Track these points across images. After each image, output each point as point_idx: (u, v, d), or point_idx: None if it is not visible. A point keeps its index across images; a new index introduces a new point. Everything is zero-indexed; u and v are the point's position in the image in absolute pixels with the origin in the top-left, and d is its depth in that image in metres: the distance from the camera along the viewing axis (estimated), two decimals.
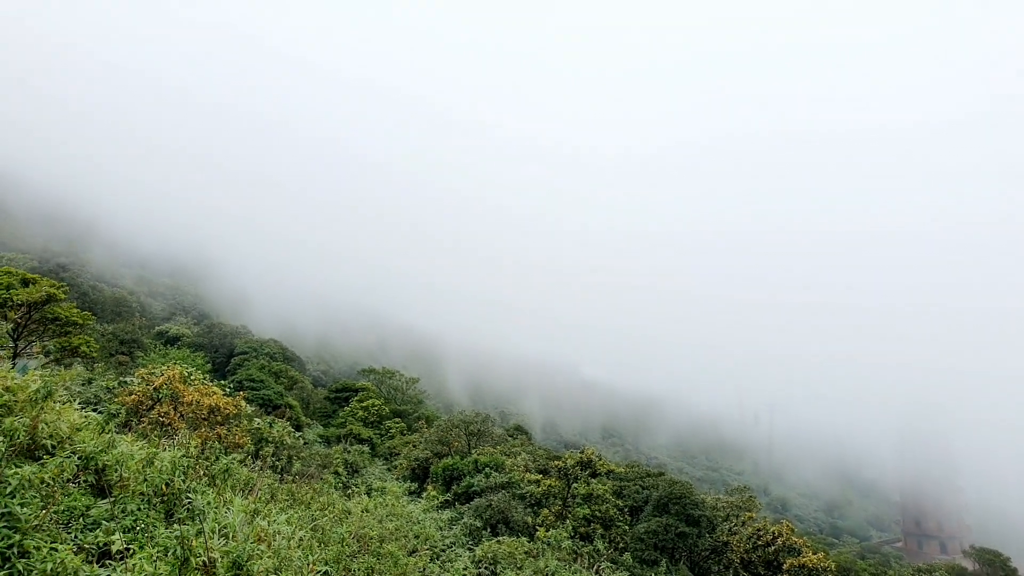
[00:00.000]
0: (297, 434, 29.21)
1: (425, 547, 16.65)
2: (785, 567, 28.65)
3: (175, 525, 8.86)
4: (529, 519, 25.20)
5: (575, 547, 22.56)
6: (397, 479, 28.60)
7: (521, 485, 27.76)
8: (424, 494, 22.89)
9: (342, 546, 11.50)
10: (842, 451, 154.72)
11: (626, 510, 30.83)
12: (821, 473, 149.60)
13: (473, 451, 33.74)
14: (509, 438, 48.97)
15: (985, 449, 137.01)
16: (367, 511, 16.22)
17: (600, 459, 30.86)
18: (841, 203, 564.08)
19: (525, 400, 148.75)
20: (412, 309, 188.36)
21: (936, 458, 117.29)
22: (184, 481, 10.57)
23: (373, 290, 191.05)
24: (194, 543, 8.08)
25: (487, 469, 29.28)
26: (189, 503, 10.10)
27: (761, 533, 30.98)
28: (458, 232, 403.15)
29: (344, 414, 55.15)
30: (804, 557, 28.77)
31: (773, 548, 30.06)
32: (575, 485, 27.99)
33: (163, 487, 10.16)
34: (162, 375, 20.15)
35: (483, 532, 23.09)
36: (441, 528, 19.44)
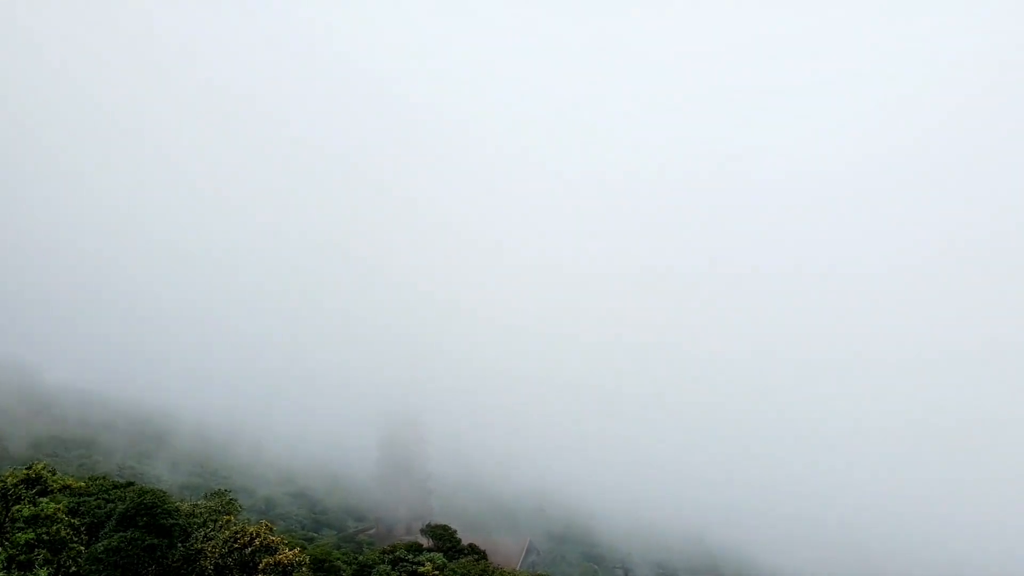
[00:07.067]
0: None
1: None
2: (261, 567, 28.90)
3: None
4: None
5: None
6: None
7: None
8: None
9: None
10: (330, 449, 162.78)
11: (83, 529, 27.31)
12: (313, 472, 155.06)
13: None
14: None
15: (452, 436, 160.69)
16: None
17: (54, 474, 26.72)
18: None
19: None
20: None
21: (412, 451, 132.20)
22: None
23: None
24: None
25: None
26: None
27: (239, 536, 30.68)
28: None
29: None
30: (280, 555, 29.52)
31: (251, 549, 30.04)
32: (16, 507, 23.69)
33: None
34: None
35: None
36: None
